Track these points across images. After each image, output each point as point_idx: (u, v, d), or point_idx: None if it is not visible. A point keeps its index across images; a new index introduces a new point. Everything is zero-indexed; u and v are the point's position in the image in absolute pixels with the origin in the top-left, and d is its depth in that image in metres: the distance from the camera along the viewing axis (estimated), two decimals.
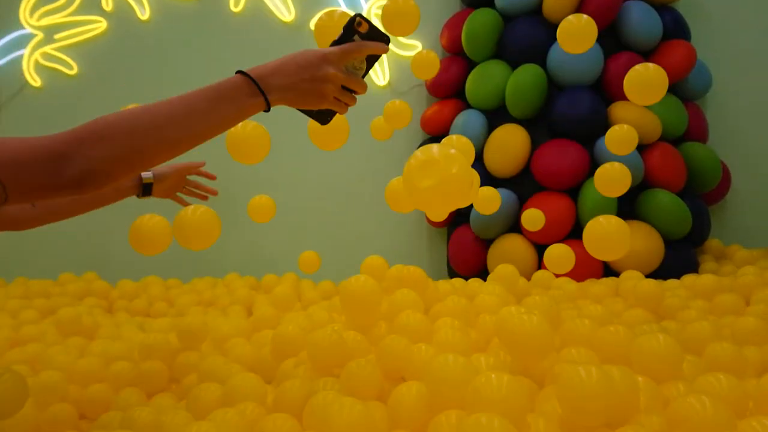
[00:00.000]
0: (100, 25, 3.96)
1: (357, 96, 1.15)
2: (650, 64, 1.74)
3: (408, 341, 1.42)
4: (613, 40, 3.28)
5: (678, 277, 2.62)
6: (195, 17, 3.98)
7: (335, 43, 1.11)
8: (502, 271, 2.22)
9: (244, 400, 1.33)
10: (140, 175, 1.65)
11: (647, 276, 2.72)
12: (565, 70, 3.17)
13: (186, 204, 1.79)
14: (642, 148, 3.06)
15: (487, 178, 3.30)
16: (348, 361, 1.37)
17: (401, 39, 3.87)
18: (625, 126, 2.06)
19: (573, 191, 3.09)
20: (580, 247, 2.96)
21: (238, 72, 1.04)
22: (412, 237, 3.89)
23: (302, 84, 1.06)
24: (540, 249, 3.10)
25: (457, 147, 1.80)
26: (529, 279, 2.53)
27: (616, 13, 3.21)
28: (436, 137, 3.68)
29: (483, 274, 2.93)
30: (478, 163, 3.34)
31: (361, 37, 1.11)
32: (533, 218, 2.43)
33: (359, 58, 1.12)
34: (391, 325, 1.62)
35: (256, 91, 1.03)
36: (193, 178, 1.82)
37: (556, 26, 3.24)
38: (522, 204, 3.19)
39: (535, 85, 3.17)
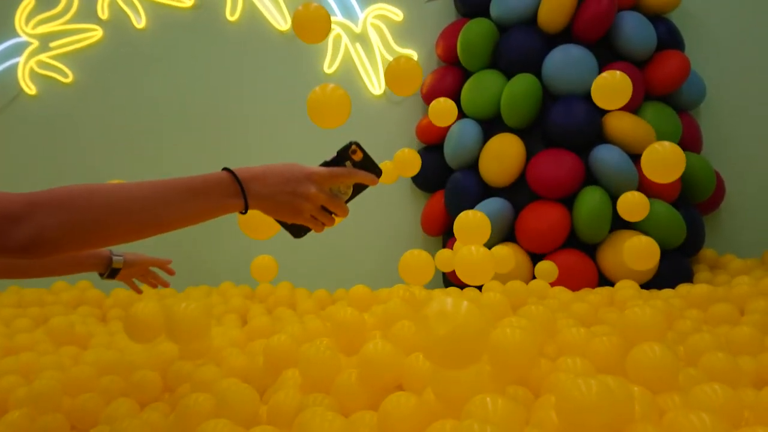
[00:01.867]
0: (96, 33, 3.96)
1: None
2: (666, 143, 1.74)
3: (399, 351, 1.42)
4: (608, 51, 3.30)
5: (673, 286, 2.62)
6: (191, 26, 3.99)
7: (326, 163, 1.10)
8: (511, 287, 2.23)
9: (236, 412, 1.32)
10: (111, 257, 1.64)
11: (642, 286, 2.72)
12: (559, 80, 3.19)
13: (137, 289, 1.79)
14: (636, 157, 3.07)
15: (483, 188, 3.31)
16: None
17: (396, 47, 3.88)
18: (637, 193, 2.09)
19: (568, 200, 3.10)
20: (574, 256, 3.01)
21: (225, 169, 1.03)
22: (408, 246, 3.87)
23: (281, 196, 1.05)
24: (535, 259, 3.10)
25: (473, 222, 1.81)
26: None
27: (610, 24, 3.22)
28: (431, 146, 3.69)
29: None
30: (474, 173, 3.35)
31: (353, 164, 1.10)
32: (547, 271, 2.53)
33: (346, 184, 1.12)
34: (385, 335, 1.62)
35: (238, 192, 1.02)
36: (153, 268, 1.81)
37: (550, 36, 3.30)
38: (517, 213, 3.19)
39: (530, 95, 3.18)
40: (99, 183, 0.95)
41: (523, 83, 3.20)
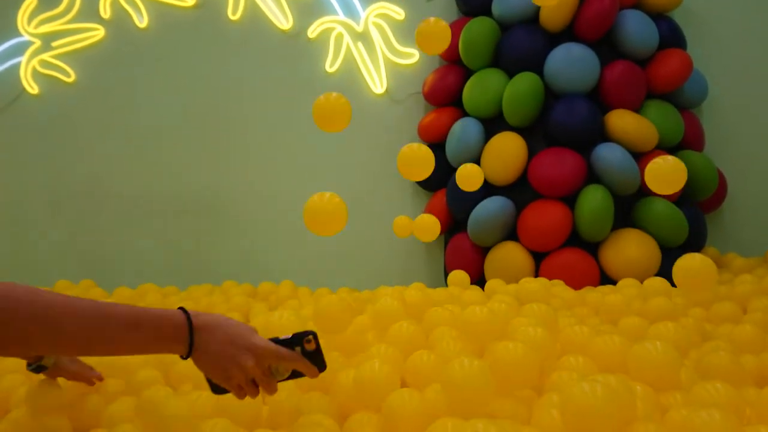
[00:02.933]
0: (98, 32, 3.96)
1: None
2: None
3: (398, 354, 1.42)
4: (610, 49, 3.30)
5: (675, 285, 2.62)
6: (193, 25, 3.99)
7: (277, 340, 1.10)
8: (513, 285, 2.22)
9: (237, 412, 1.32)
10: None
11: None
12: (561, 79, 3.18)
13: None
14: (638, 156, 3.07)
15: (485, 186, 3.30)
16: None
17: (398, 46, 3.88)
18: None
19: (570, 199, 3.09)
20: (576, 254, 3.01)
21: (180, 309, 1.02)
22: (409, 245, 3.88)
23: (218, 357, 1.04)
24: (537, 257, 3.10)
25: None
26: None
27: (612, 22, 3.22)
28: (433, 145, 3.68)
29: (480, 282, 2.93)
30: None
31: (302, 351, 1.11)
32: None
33: (286, 367, 1.11)
34: (381, 335, 1.62)
35: (185, 339, 1.01)
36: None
37: (552, 35, 3.30)
38: (519, 212, 3.19)
39: (532, 93, 3.18)
40: (46, 290, 0.90)
41: (525, 82, 3.19)
